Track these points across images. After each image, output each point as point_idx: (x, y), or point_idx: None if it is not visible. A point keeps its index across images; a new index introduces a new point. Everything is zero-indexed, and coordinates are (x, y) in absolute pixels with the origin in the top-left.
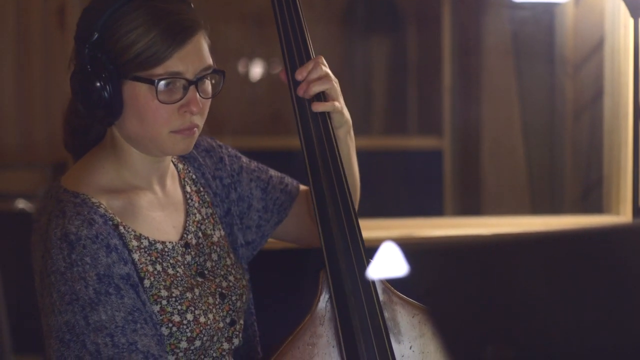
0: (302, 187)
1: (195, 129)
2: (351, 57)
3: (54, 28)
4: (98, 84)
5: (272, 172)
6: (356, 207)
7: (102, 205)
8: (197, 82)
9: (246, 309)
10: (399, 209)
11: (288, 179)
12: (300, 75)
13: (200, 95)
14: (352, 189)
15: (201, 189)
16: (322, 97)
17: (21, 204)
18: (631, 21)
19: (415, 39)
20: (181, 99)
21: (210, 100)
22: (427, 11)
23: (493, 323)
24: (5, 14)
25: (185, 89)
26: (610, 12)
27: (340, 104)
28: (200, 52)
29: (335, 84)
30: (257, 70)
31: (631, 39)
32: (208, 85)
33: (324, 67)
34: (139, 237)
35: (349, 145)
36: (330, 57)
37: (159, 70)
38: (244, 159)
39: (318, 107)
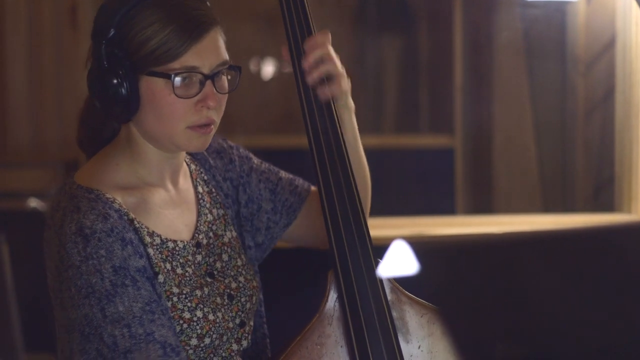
0: (314, 188)
1: (212, 125)
2: (362, 56)
3: (66, 26)
4: (115, 81)
5: (283, 174)
6: (368, 201)
7: (116, 201)
8: (213, 77)
9: (256, 311)
10: (410, 207)
11: (299, 181)
12: (306, 62)
13: (216, 90)
14: (361, 178)
15: (213, 190)
16: (325, 79)
17: (33, 202)
18: None
19: (427, 38)
20: (197, 93)
21: (226, 96)
22: (438, 10)
23: (504, 322)
24: (17, 13)
25: (202, 83)
26: (622, 10)
27: (345, 86)
28: (216, 47)
29: (338, 66)
30: (268, 69)
31: None
32: (224, 80)
33: (328, 47)
34: (152, 234)
35: (354, 129)
36: (341, 56)
37: (175, 65)
38: (255, 160)
39: (323, 94)
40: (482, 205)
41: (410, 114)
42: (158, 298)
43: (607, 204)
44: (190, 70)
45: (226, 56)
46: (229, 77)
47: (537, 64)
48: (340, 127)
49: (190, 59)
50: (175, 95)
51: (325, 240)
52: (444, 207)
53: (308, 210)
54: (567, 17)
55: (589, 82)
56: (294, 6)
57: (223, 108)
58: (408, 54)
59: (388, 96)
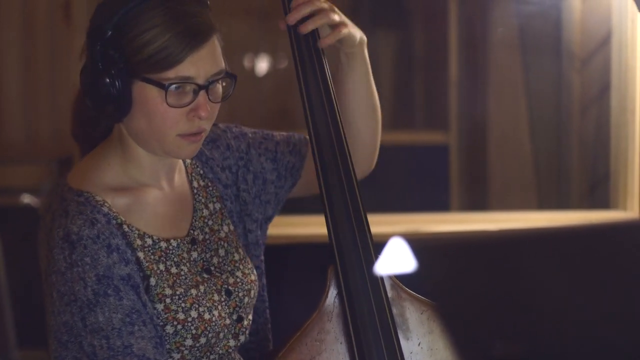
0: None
1: (203, 133)
2: None
3: (59, 22)
4: (107, 80)
5: (278, 136)
6: (379, 133)
7: (106, 204)
8: (207, 87)
9: (259, 307)
10: (405, 204)
11: (294, 137)
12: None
13: (209, 99)
14: (372, 108)
15: (209, 183)
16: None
17: (26, 198)
18: (638, 16)
19: (422, 33)
20: (190, 103)
21: (219, 104)
22: (433, 5)
23: (500, 319)
24: (10, 7)
25: (195, 93)
26: (618, 6)
27: (346, 28)
28: (213, 56)
29: (335, 13)
30: (263, 65)
31: (638, 33)
32: (219, 88)
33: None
34: (142, 236)
35: (367, 63)
36: (336, 51)
37: (170, 74)
38: (250, 133)
39: (324, 42)
40: (477, 202)
41: (405, 110)
42: (142, 307)
43: (602, 201)
44: (185, 80)
45: (222, 64)
46: (224, 84)
47: (532, 60)
48: (340, 119)
49: (185, 68)
50: (167, 104)
51: None
52: (439, 203)
53: (310, 162)
54: (563, 13)
55: (584, 78)
56: None
57: (215, 116)
58: (402, 49)
59: (382, 92)
